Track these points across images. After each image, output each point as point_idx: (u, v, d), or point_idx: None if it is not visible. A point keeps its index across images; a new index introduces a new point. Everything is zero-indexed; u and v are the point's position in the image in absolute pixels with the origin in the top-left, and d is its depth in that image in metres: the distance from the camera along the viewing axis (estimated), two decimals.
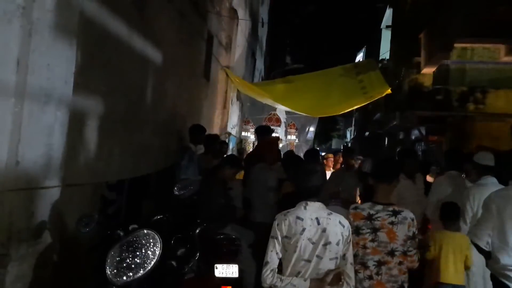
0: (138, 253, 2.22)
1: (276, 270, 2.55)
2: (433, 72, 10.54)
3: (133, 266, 2.19)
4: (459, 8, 7.57)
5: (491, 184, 3.90)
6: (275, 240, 2.56)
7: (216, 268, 3.74)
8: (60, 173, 3.21)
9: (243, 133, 13.16)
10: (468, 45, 9.37)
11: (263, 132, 6.33)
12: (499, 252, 3.17)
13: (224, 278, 3.69)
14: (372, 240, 2.83)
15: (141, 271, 2.19)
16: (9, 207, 2.73)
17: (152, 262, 2.21)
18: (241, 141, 12.96)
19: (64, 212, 3.28)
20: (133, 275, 2.18)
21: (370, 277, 2.82)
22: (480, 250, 3.34)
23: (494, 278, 3.36)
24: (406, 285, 2.87)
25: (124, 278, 2.17)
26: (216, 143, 6.79)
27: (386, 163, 3.13)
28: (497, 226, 3.18)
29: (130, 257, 2.20)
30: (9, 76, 2.63)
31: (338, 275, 2.52)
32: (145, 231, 2.29)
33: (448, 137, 10.65)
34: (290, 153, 8.31)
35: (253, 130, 10.45)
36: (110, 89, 4.01)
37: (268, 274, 2.52)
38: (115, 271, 2.16)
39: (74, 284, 3.38)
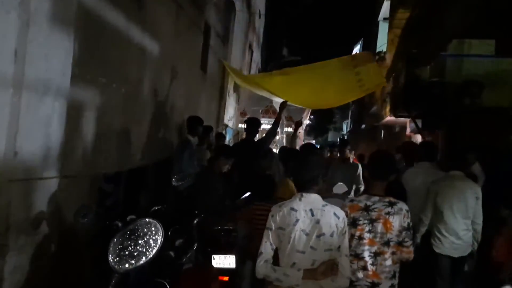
0: (140, 241, 2.24)
1: (271, 260, 2.57)
2: (430, 65, 10.55)
3: (135, 254, 2.21)
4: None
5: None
6: (270, 231, 2.59)
7: (214, 258, 3.77)
8: (58, 164, 3.22)
9: (239, 125, 13.16)
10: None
11: (254, 125, 6.23)
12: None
13: (222, 269, 3.72)
14: (369, 231, 2.85)
15: (143, 259, 2.21)
16: (7, 198, 2.74)
17: (154, 250, 2.23)
18: (238, 133, 12.97)
19: (62, 203, 3.29)
20: (135, 262, 2.20)
21: (364, 268, 2.85)
22: None
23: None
24: (397, 275, 2.91)
25: (126, 265, 2.19)
26: (209, 134, 6.81)
27: (381, 160, 3.08)
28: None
29: (132, 245, 2.22)
30: (7, 67, 2.63)
31: (331, 265, 2.53)
32: (147, 219, 2.31)
33: (444, 131, 10.67)
34: (285, 148, 8.35)
35: None
36: (107, 80, 4.00)
37: (262, 265, 2.54)
38: (117, 258, 2.18)
39: (72, 274, 3.40)
